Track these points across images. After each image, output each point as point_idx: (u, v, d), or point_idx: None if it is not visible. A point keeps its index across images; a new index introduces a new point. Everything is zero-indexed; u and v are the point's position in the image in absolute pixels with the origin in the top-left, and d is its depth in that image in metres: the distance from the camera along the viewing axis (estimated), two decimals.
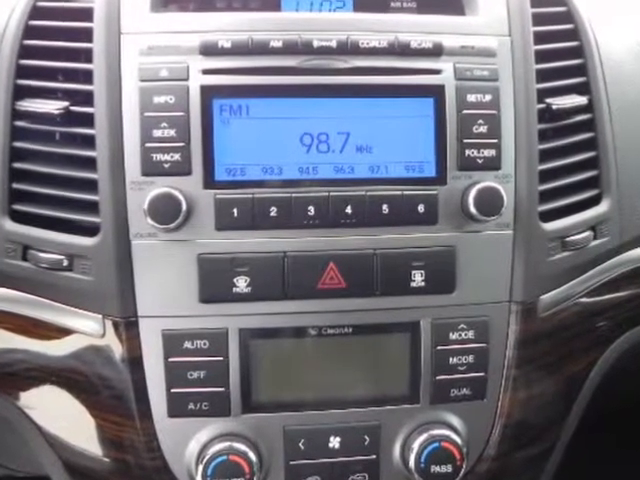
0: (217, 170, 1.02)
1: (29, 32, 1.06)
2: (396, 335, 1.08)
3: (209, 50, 1.03)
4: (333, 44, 1.04)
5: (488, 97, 1.06)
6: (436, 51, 1.06)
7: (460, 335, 1.08)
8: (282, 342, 1.07)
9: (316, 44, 1.04)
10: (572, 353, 1.17)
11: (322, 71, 1.05)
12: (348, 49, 1.04)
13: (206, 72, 1.03)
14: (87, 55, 1.04)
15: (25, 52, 1.06)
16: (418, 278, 1.05)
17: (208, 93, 1.02)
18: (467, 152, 1.06)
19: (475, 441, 1.12)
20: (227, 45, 1.03)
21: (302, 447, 1.07)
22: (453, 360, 1.08)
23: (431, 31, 1.07)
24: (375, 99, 1.05)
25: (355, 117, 1.05)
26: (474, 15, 1.12)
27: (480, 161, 1.06)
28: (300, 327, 1.06)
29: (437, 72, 1.06)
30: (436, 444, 1.07)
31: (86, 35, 1.05)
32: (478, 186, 1.04)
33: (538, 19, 1.13)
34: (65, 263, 1.03)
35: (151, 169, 1.01)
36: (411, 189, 1.05)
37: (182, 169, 1.01)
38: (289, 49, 1.03)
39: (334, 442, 1.07)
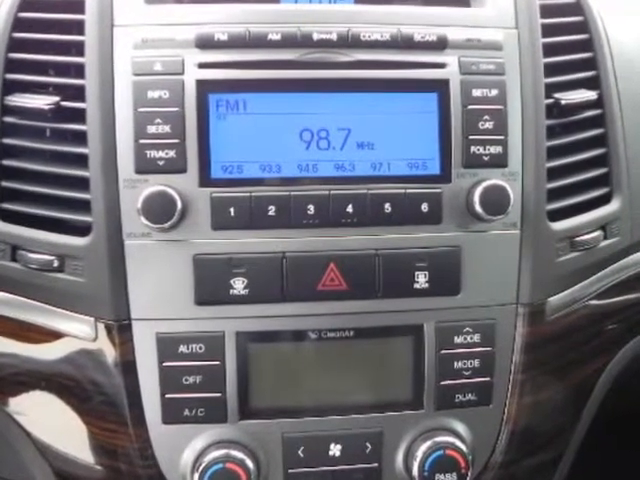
0: (213, 167, 1.00)
1: (18, 24, 1.03)
2: (399, 339, 1.05)
3: (205, 43, 1.00)
4: (333, 37, 1.01)
5: (494, 92, 1.04)
6: (440, 44, 1.04)
7: (465, 339, 1.05)
8: (281, 346, 1.04)
9: (316, 37, 1.01)
10: (581, 357, 1.15)
11: (322, 65, 1.02)
12: (349, 42, 1.02)
13: (202, 66, 1.00)
14: (79, 48, 1.02)
15: (14, 45, 1.03)
16: (422, 279, 1.03)
17: (204, 88, 0.99)
18: (472, 149, 1.03)
19: (481, 448, 1.09)
20: (223, 38, 1.00)
21: (301, 455, 1.04)
22: (458, 365, 1.06)
23: (435, 23, 1.05)
24: (377, 94, 1.03)
25: (356, 113, 1.02)
26: (480, 7, 1.09)
27: (486, 158, 1.03)
28: (299, 330, 1.04)
29: (441, 66, 1.04)
30: (440, 451, 1.04)
31: (77, 27, 1.02)
32: (484, 184, 1.01)
33: (546, 11, 1.10)
34: (56, 264, 1.00)
35: (145, 166, 0.98)
36: (414, 187, 1.02)
37: (177, 166, 0.99)
38: (288, 42, 1.01)
39: (334, 450, 1.05)
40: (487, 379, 1.07)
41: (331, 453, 1.04)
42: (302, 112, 1.01)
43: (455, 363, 1.05)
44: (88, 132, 0.99)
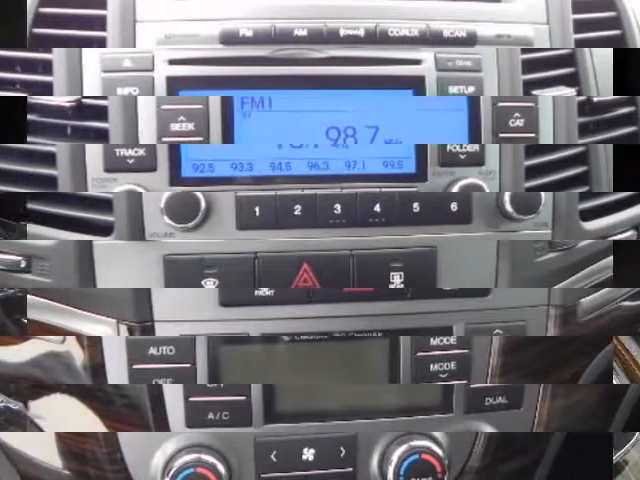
0: (184, 166, 0.98)
1: (39, 20, 1.01)
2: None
3: (229, 39, 0.97)
4: (361, 32, 0.98)
5: None
6: (470, 40, 1.01)
7: None
8: (254, 349, 1.02)
9: (342, 33, 0.98)
10: None
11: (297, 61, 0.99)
12: (376, 38, 0.99)
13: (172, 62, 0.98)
14: (101, 44, 0.99)
15: (35, 41, 1.00)
16: None
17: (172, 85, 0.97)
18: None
19: (457, 453, 1.08)
20: (249, 34, 0.97)
21: (274, 459, 1.03)
22: None
23: (465, 19, 1.03)
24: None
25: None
26: (510, 2, 1.06)
27: None
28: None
29: None
30: (416, 456, 1.03)
31: (99, 23, 1.00)
32: None
33: (578, 6, 1.07)
34: (23, 264, 0.98)
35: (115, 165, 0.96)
36: None
37: (146, 165, 0.96)
38: (313, 38, 0.98)
39: (308, 454, 1.04)
40: None
41: (304, 457, 1.03)
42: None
43: None
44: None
